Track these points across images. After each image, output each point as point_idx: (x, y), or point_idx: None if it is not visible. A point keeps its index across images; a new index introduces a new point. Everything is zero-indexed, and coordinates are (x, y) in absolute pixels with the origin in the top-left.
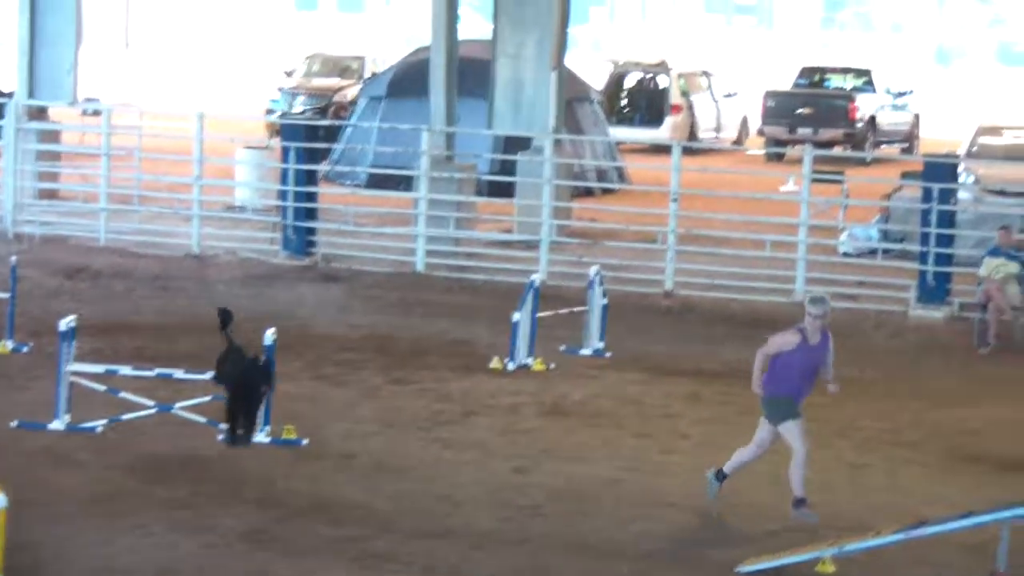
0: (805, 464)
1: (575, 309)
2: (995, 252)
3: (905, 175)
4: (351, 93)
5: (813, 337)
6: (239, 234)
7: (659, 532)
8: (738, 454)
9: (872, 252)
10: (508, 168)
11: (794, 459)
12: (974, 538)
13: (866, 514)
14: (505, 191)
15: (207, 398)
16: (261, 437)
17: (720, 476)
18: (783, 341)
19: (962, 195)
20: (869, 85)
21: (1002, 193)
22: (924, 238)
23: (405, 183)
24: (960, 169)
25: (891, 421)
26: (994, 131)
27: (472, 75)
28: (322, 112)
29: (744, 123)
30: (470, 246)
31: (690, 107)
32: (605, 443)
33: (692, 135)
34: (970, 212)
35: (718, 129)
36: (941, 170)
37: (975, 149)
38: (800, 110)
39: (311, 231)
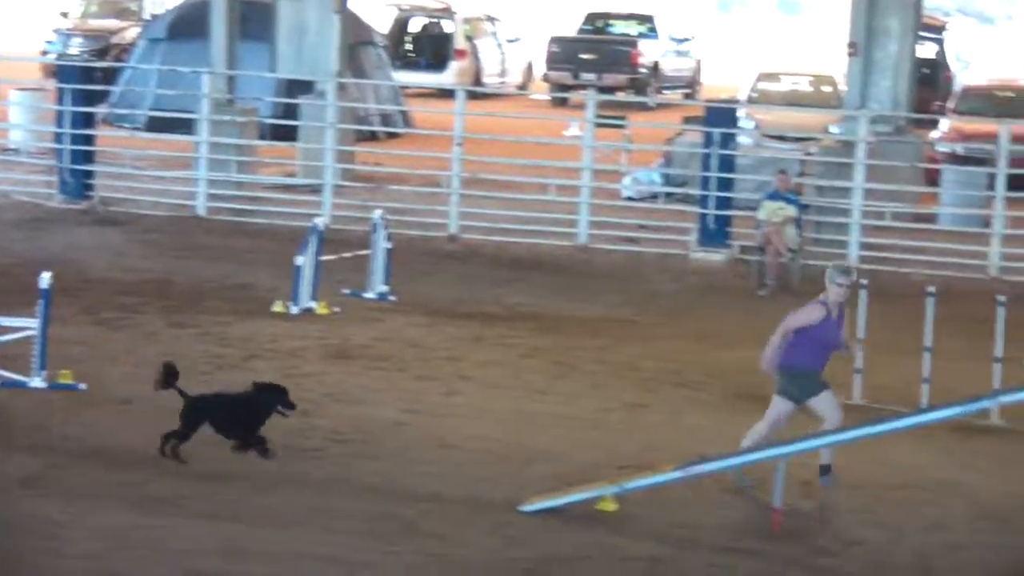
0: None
1: (359, 253)
2: (774, 196)
3: (687, 120)
4: (130, 35)
5: (835, 309)
6: (13, 177)
7: (443, 473)
8: (753, 432)
9: (654, 196)
10: (291, 112)
11: (826, 427)
12: (752, 475)
13: (647, 453)
14: (288, 135)
15: None
16: (37, 382)
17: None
18: (808, 316)
19: (742, 140)
20: (652, 31)
21: (780, 138)
22: (705, 182)
23: (186, 126)
24: (740, 114)
25: (672, 362)
26: (773, 77)
27: (254, 18)
28: (100, 54)
29: (529, 68)
30: (252, 190)
31: (475, 52)
32: (389, 386)
33: (477, 80)
34: (750, 157)
35: (503, 74)
36: (722, 115)
37: (755, 95)
38: (584, 56)
39: (88, 174)
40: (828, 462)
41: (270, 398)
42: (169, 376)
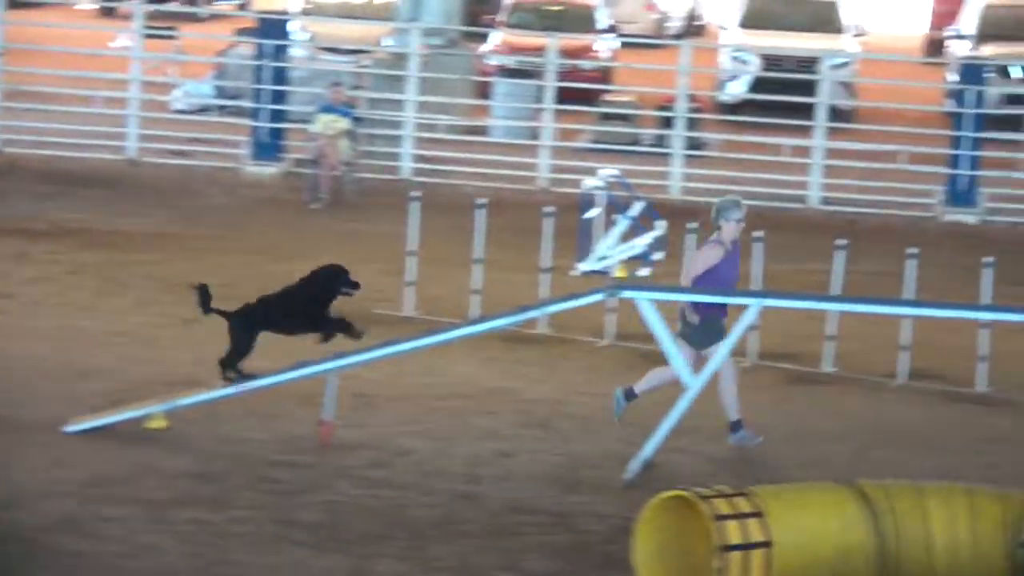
0: (736, 383)
1: None
2: (327, 109)
3: (239, 32)
4: None
5: (731, 246)
6: None
7: None
8: (655, 375)
9: (206, 108)
10: None
11: (723, 381)
12: (305, 389)
13: (199, 369)
14: None
15: None
16: None
17: (630, 395)
18: (708, 259)
19: (295, 52)
20: None
21: (334, 50)
22: (257, 95)
23: None
24: (293, 26)
25: (226, 276)
26: None
27: None
28: None
29: None
30: None
31: None
32: None
33: None
34: (303, 69)
35: None
36: (274, 27)
37: (308, 7)
38: None
39: None
40: (737, 417)
41: (331, 280)
42: (204, 297)
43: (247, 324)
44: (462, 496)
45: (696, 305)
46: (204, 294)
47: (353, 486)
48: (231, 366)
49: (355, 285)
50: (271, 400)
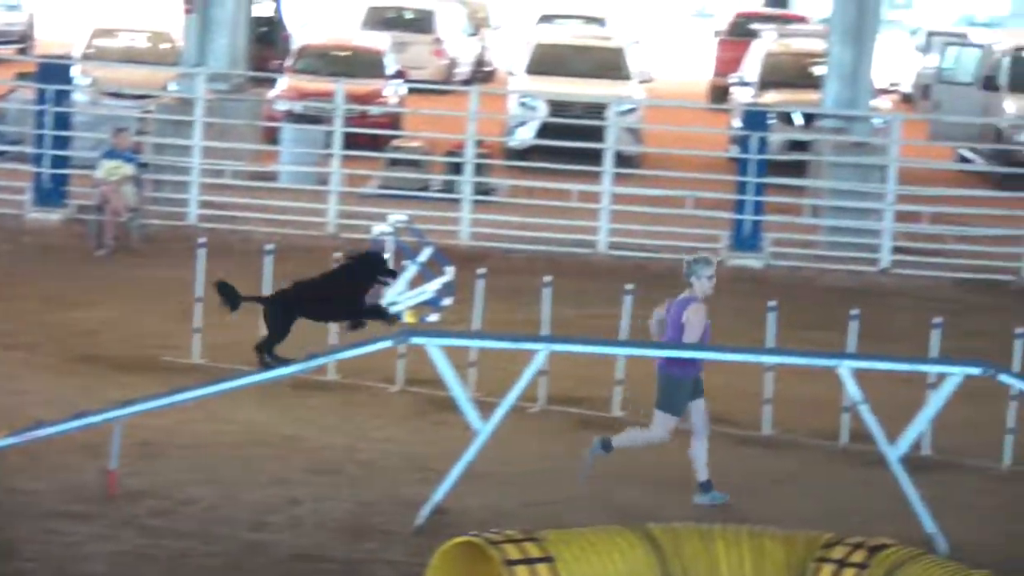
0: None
1: None
2: (111, 154)
3: (19, 76)
4: None
5: (704, 301)
6: None
7: None
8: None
9: None
10: None
11: (643, 434)
12: (89, 438)
13: None
14: None
15: None
16: None
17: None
18: (702, 319)
19: (78, 97)
20: None
21: (118, 95)
22: (39, 140)
23: None
24: (75, 71)
25: (6, 324)
26: (109, 33)
27: None
28: None
29: None
30: None
31: None
32: None
33: None
34: (86, 114)
35: None
36: (56, 72)
37: (91, 51)
38: None
39: None
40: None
41: (371, 268)
42: (228, 295)
43: (284, 308)
44: (248, 544)
45: (675, 366)
46: (227, 289)
47: (138, 535)
48: (268, 350)
49: (392, 274)
50: (55, 450)
